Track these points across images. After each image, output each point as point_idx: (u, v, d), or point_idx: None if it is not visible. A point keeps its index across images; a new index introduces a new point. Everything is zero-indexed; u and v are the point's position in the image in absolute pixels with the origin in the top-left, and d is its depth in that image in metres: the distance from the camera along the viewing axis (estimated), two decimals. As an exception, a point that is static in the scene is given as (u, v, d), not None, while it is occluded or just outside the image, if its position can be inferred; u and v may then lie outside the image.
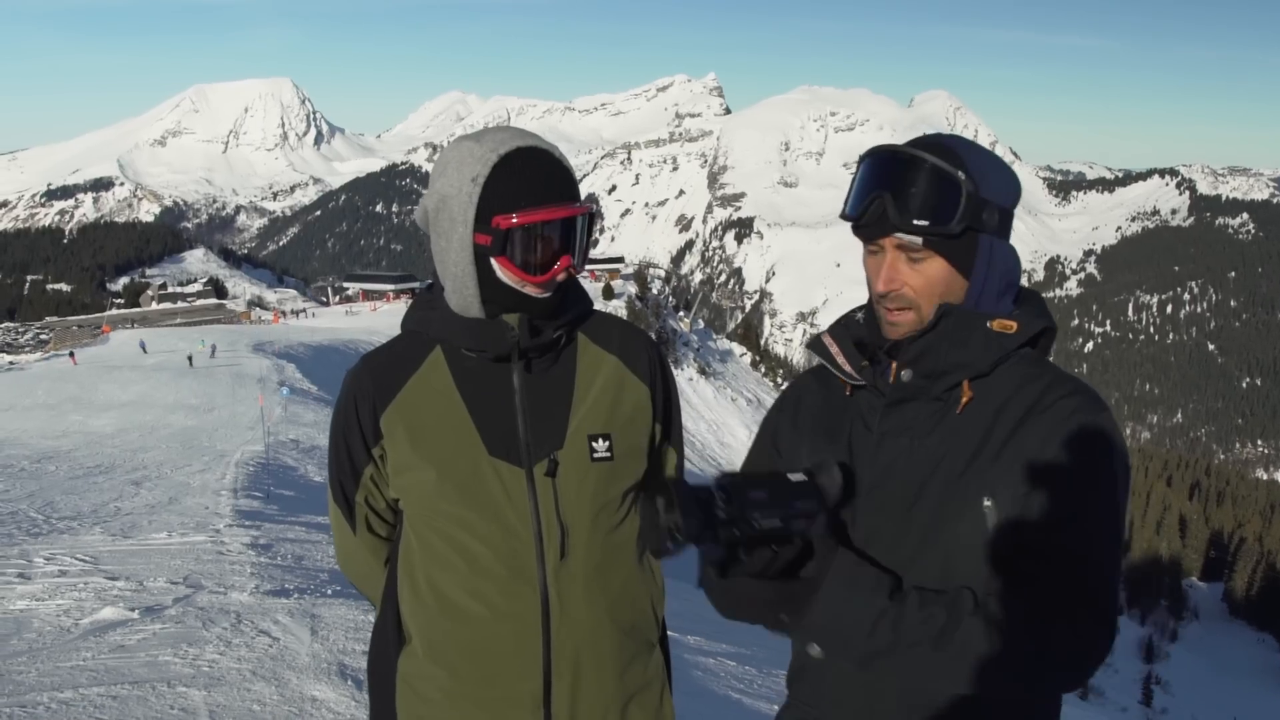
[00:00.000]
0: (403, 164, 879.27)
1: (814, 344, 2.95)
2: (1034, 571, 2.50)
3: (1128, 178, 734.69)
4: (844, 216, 2.77)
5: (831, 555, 2.50)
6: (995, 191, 2.66)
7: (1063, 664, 2.46)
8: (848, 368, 2.84)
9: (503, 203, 2.89)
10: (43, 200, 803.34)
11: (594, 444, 3.08)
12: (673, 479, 2.47)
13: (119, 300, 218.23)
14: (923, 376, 2.69)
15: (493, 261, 2.95)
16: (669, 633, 3.36)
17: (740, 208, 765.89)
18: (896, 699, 2.68)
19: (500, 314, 3.03)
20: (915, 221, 2.60)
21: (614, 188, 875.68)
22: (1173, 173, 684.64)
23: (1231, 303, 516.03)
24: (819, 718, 2.94)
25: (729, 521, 2.38)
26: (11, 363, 78.71)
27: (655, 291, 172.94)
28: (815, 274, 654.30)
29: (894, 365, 2.76)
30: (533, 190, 2.91)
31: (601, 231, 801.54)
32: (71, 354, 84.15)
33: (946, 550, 2.60)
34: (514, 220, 2.88)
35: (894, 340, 2.76)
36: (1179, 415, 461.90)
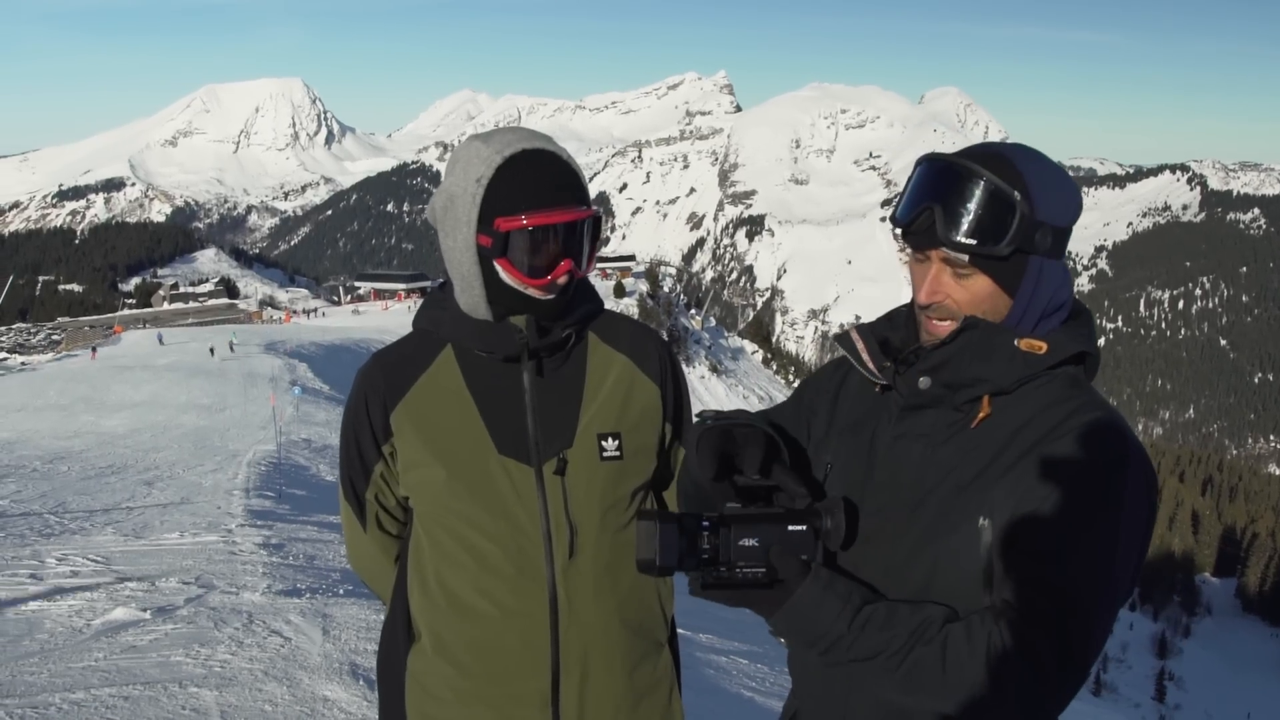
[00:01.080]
0: (414, 163, 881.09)
1: (842, 339, 2.94)
2: (1012, 603, 2.43)
3: (1138, 174, 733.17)
4: (893, 220, 2.70)
5: (804, 573, 2.46)
6: (1052, 212, 2.56)
7: (1017, 703, 2.40)
8: (871, 366, 2.81)
9: (504, 205, 2.88)
10: (54, 201, 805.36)
11: (603, 443, 3.07)
12: (656, 511, 2.45)
13: (130, 300, 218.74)
14: (942, 385, 2.64)
15: (495, 263, 2.95)
16: (680, 631, 3.38)
17: (751, 205, 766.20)
18: (873, 697, 2.63)
19: (507, 315, 3.04)
20: (963, 240, 2.52)
21: (625, 186, 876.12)
22: (1184, 168, 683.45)
23: (1243, 298, 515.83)
24: (799, 709, 2.95)
25: (711, 562, 2.40)
26: (24, 363, 78.88)
27: (666, 289, 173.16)
28: (826, 271, 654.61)
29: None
30: (535, 193, 2.89)
31: (613, 230, 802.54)
32: (93, 349, 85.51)
33: (935, 562, 2.56)
34: (514, 223, 2.87)
35: (918, 345, 2.74)
36: (1191, 411, 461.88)
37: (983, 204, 2.51)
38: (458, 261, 2.99)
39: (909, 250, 2.74)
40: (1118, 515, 2.43)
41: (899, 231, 2.71)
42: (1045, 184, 2.57)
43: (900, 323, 2.90)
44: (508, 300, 3.02)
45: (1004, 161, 2.56)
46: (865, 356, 2.83)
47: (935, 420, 2.68)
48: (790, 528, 2.48)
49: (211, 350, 73.97)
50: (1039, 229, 2.54)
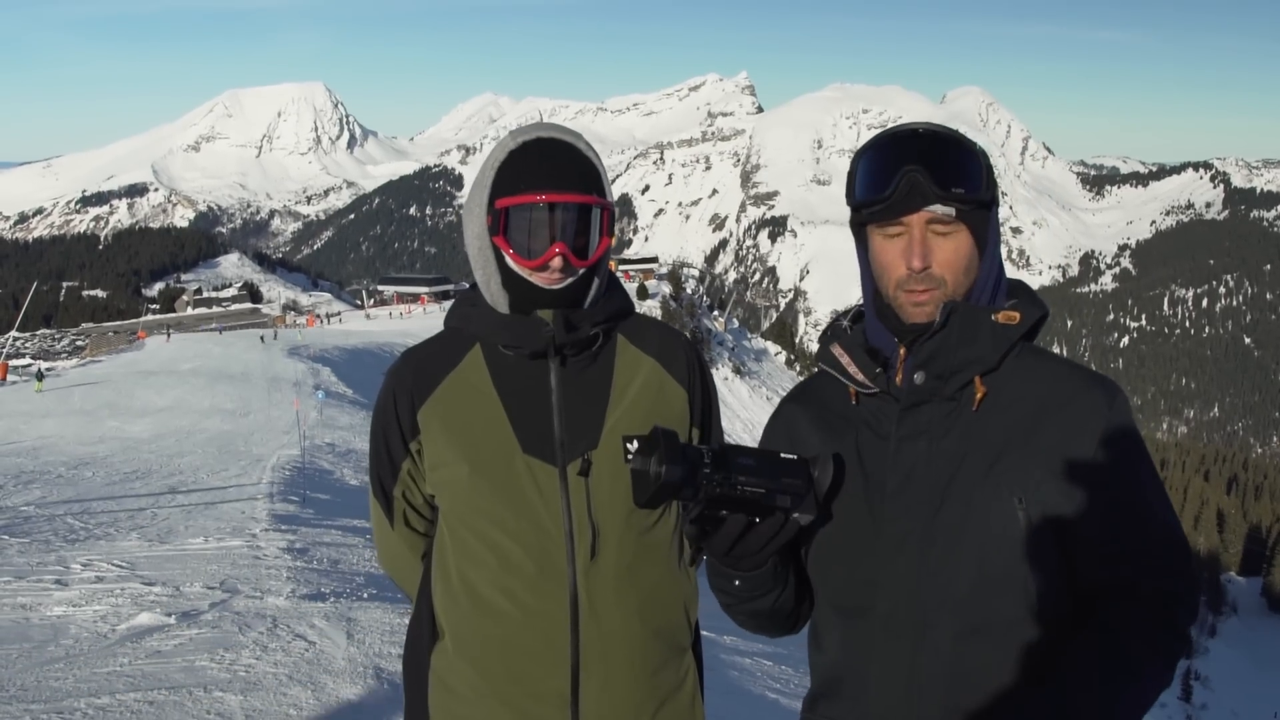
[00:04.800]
0: (436, 166, 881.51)
1: (823, 355, 2.93)
2: (1128, 574, 2.55)
3: (1161, 171, 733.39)
4: (868, 198, 2.69)
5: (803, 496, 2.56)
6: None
7: (1186, 645, 2.56)
8: (860, 376, 2.80)
9: (507, 186, 2.93)
10: (78, 207, 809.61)
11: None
12: (664, 429, 2.51)
13: (154, 306, 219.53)
14: (935, 377, 2.67)
15: (496, 245, 2.99)
16: (704, 634, 3.43)
17: (773, 206, 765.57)
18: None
19: (520, 304, 3.05)
20: (954, 189, 2.58)
21: (647, 188, 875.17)
22: (1207, 166, 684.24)
23: (1267, 295, 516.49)
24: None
25: (712, 478, 2.45)
26: (49, 369, 79.17)
27: (689, 291, 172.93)
28: (849, 271, 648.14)
29: (900, 368, 2.75)
30: (535, 175, 2.92)
31: (635, 232, 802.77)
32: (168, 333, 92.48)
33: (980, 550, 2.59)
34: (507, 201, 2.91)
35: (910, 337, 2.73)
36: (1216, 409, 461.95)
37: (960, 156, 2.62)
38: (475, 247, 3.05)
39: (877, 227, 2.74)
40: (1144, 449, 2.64)
41: (869, 211, 2.72)
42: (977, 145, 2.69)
43: (862, 329, 2.91)
44: (519, 288, 3.03)
45: (944, 129, 2.69)
46: (853, 369, 2.82)
47: (931, 414, 2.70)
48: (784, 455, 2.58)
49: (262, 339, 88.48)
50: (995, 182, 2.69)
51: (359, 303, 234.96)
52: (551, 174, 2.94)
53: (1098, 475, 2.54)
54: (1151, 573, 2.55)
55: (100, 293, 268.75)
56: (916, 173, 2.60)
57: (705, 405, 3.36)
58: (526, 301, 3.05)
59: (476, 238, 3.04)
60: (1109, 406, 2.61)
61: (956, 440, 2.67)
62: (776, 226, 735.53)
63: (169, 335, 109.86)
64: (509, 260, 2.99)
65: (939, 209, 2.62)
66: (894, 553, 2.70)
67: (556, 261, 2.96)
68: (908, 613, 2.67)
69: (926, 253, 2.66)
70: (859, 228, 2.80)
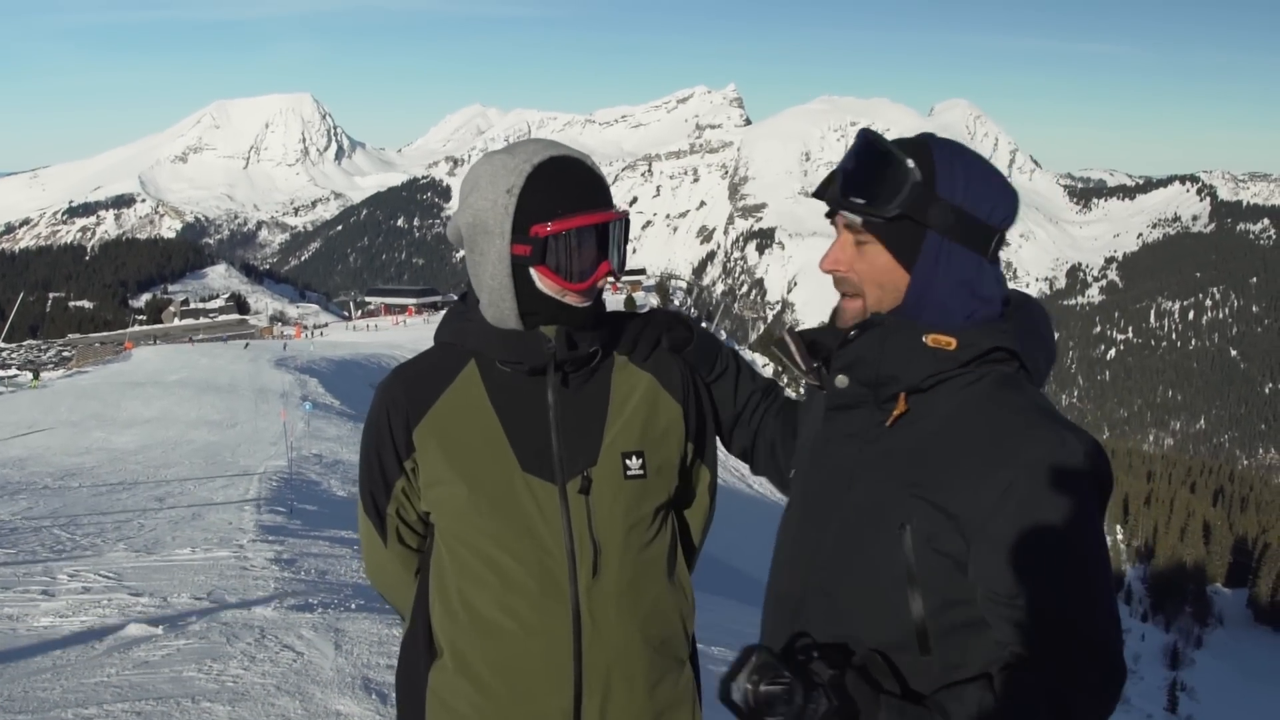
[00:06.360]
0: (424, 178, 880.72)
1: (778, 342, 2.90)
2: (1037, 649, 2.35)
3: (1149, 184, 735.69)
4: (814, 194, 2.72)
5: (876, 701, 2.37)
6: (960, 195, 2.54)
7: None
8: (803, 365, 2.80)
9: (540, 211, 2.87)
10: (65, 217, 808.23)
11: (627, 461, 3.06)
12: (758, 645, 2.45)
13: (141, 317, 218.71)
14: (860, 384, 2.61)
15: (532, 272, 2.93)
16: (699, 646, 3.50)
17: (761, 218, 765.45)
18: None
19: (539, 326, 3.02)
20: (853, 198, 2.56)
21: (635, 200, 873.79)
22: (1193, 179, 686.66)
23: (1253, 308, 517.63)
24: None
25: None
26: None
27: (677, 303, 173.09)
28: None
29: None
30: (569, 197, 2.90)
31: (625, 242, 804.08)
32: (190, 339, 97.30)
33: (871, 565, 2.57)
34: (554, 227, 2.87)
35: (839, 341, 2.70)
36: (1202, 421, 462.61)
37: (877, 168, 2.54)
38: (489, 275, 2.97)
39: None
40: (1081, 516, 2.36)
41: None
42: (955, 167, 2.56)
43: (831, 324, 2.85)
44: (542, 310, 2.99)
45: (920, 143, 2.61)
46: (798, 357, 2.81)
47: (866, 420, 2.65)
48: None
49: (246, 345, 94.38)
50: (935, 202, 2.52)
51: (346, 314, 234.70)
52: (584, 195, 2.94)
53: (998, 532, 2.38)
54: (1047, 664, 2.34)
55: (87, 303, 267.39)
56: (838, 174, 2.61)
57: (700, 419, 3.34)
58: (546, 322, 3.02)
59: (495, 265, 2.95)
60: (1036, 459, 2.37)
61: (878, 452, 2.61)
62: (764, 238, 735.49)
63: (191, 341, 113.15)
64: (545, 285, 2.96)
65: (849, 216, 2.60)
66: (796, 547, 2.79)
67: (604, 281, 3.01)
68: (792, 612, 2.78)
69: (837, 257, 2.67)
70: None
